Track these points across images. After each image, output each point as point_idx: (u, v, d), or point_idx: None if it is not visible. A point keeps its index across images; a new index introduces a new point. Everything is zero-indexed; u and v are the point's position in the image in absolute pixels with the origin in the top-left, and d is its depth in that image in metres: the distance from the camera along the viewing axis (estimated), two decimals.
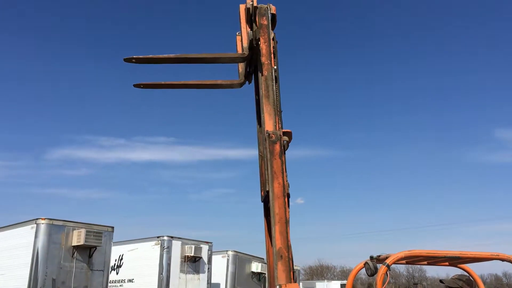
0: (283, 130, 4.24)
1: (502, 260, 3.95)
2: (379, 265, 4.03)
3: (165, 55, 4.65)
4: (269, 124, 4.23)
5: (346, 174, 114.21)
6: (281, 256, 3.81)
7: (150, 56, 4.64)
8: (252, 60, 4.69)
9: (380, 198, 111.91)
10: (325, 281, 30.28)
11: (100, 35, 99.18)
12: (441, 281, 4.27)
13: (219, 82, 5.09)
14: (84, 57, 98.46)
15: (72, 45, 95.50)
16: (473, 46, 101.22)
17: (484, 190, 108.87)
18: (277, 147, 4.12)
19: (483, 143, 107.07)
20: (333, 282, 30.90)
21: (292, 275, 3.82)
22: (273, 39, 4.50)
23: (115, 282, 18.16)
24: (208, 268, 18.59)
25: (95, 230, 14.90)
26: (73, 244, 14.52)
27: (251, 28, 4.62)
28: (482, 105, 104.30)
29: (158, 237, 17.83)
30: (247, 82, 5.04)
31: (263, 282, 22.00)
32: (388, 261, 3.90)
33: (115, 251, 17.61)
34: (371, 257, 4.39)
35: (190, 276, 17.97)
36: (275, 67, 4.40)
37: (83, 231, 14.47)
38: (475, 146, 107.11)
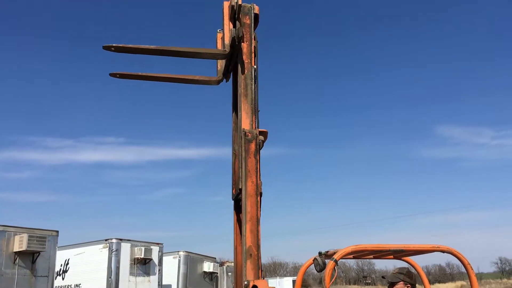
0: (259, 130, 4.29)
1: (443, 251, 4.08)
2: (327, 261, 4.07)
3: (145, 46, 4.56)
4: (245, 123, 4.29)
5: (296, 172, 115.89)
6: (251, 254, 3.94)
7: (130, 45, 4.51)
8: (232, 58, 4.68)
9: (329, 194, 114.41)
10: (278, 277, 30.55)
11: (44, 27, 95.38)
12: (383, 277, 4.37)
13: (196, 77, 5.08)
14: (26, 51, 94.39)
15: (14, 39, 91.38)
16: (416, 43, 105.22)
17: (428, 184, 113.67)
18: (253, 146, 4.19)
19: (426, 139, 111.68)
20: (285, 278, 31.28)
21: (260, 273, 3.91)
22: (254, 38, 4.52)
23: (60, 287, 17.52)
24: (159, 270, 18.29)
25: (38, 235, 14.30)
26: (14, 250, 13.86)
27: (234, 26, 4.59)
28: (423, 102, 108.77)
29: (106, 240, 17.35)
30: (224, 80, 5.03)
31: (215, 282, 21.91)
32: (335, 256, 3.93)
33: (61, 256, 16.99)
34: (320, 253, 4.42)
35: (140, 278, 17.62)
36: (255, 66, 4.45)
37: (25, 236, 13.84)
38: (418, 142, 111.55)
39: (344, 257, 4.12)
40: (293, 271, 72.86)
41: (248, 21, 4.48)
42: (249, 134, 4.19)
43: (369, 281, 76.03)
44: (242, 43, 4.42)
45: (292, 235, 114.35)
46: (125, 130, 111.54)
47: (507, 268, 72.50)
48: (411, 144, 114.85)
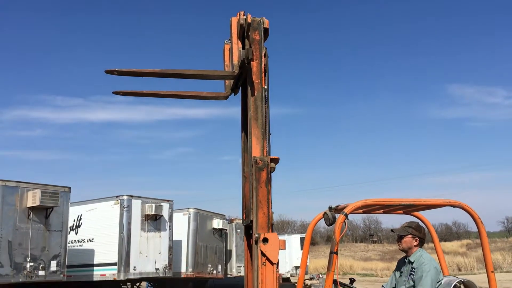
0: (271, 157, 4.09)
1: (453, 206, 4.09)
2: (337, 215, 4.10)
3: (150, 69, 4.41)
4: (256, 149, 4.08)
5: (305, 131, 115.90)
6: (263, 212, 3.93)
7: (133, 70, 4.39)
8: (242, 74, 4.45)
9: (338, 154, 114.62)
10: (285, 235, 31.03)
11: None
12: (392, 230, 4.40)
13: (204, 94, 4.89)
14: (36, 13, 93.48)
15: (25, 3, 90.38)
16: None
17: (437, 144, 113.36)
18: (264, 174, 4.00)
19: (436, 99, 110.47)
20: (293, 235, 31.70)
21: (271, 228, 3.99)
22: (264, 55, 4.28)
23: (74, 242, 17.96)
24: (170, 226, 18.65)
25: (51, 191, 14.56)
26: (28, 206, 14.16)
27: (243, 45, 4.37)
28: (434, 61, 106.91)
29: (117, 196, 17.63)
30: (233, 93, 4.84)
31: (224, 238, 22.35)
32: (346, 210, 3.96)
33: (73, 212, 17.33)
34: (330, 208, 4.45)
35: (151, 234, 17.99)
36: (265, 86, 4.22)
37: (38, 192, 14.10)
38: (428, 102, 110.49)
39: (354, 211, 4.15)
40: (301, 229, 74.03)
41: (257, 37, 4.23)
42: (260, 162, 4.00)
43: (376, 239, 77.15)
44: (252, 62, 4.17)
45: (300, 194, 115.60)
46: (134, 89, 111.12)
47: None
48: (421, 104, 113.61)
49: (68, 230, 16.25)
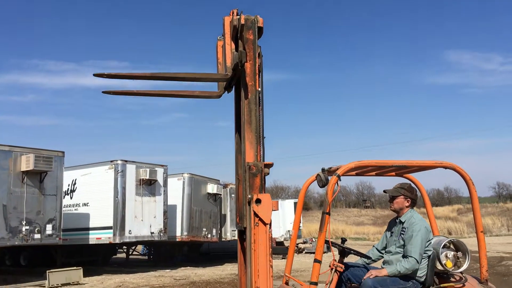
0: (265, 163, 4.02)
1: (445, 167, 4.12)
2: (330, 177, 4.11)
3: (140, 73, 4.33)
4: (250, 154, 4.01)
5: (301, 97, 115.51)
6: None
7: (123, 73, 4.24)
8: (236, 74, 4.31)
9: (333, 120, 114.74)
10: (279, 200, 31.36)
11: None
12: (384, 191, 4.43)
13: (196, 93, 4.71)
14: None
15: None
16: None
17: (432, 110, 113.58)
18: (258, 180, 3.94)
19: (433, 65, 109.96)
20: (287, 200, 32.01)
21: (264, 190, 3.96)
22: (258, 55, 4.12)
23: (69, 206, 18.09)
24: (164, 191, 18.77)
25: (44, 155, 14.55)
26: (22, 170, 14.18)
27: (236, 46, 4.23)
28: (432, 27, 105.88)
29: (111, 161, 17.65)
30: (226, 91, 4.68)
31: (219, 203, 22.55)
32: (338, 172, 3.97)
33: (68, 176, 17.38)
34: (323, 169, 4.46)
35: (146, 198, 18.12)
36: (259, 89, 4.10)
37: (31, 156, 14.09)
38: (424, 68, 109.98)
39: (346, 172, 4.16)
40: (295, 194, 74.76)
41: (251, 37, 4.08)
42: (254, 168, 3.94)
43: (368, 205, 78.25)
44: (245, 63, 4.04)
45: (294, 160, 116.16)
46: (128, 54, 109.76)
47: (504, 193, 74.19)
48: (417, 70, 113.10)
49: (63, 194, 16.33)
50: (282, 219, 29.81)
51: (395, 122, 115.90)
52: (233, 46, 4.31)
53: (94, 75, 4.25)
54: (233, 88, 4.57)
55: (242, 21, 4.05)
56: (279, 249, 24.69)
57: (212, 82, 4.61)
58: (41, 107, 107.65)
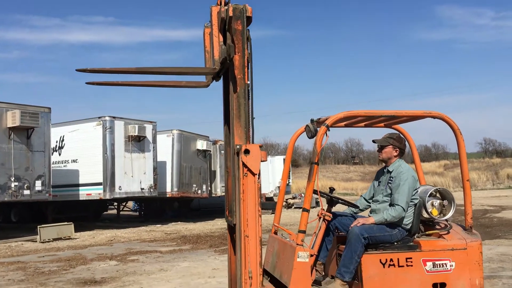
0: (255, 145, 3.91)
1: (434, 117, 4.11)
2: (319, 128, 4.09)
3: (125, 68, 4.10)
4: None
5: (291, 53, 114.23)
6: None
7: (106, 68, 4.01)
8: (224, 66, 4.13)
9: (323, 77, 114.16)
10: (269, 156, 31.52)
11: None
12: (373, 141, 4.42)
13: (183, 83, 4.50)
14: None
15: None
16: None
17: (422, 66, 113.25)
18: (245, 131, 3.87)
19: (424, 20, 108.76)
20: (276, 157, 32.27)
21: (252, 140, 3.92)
22: (248, 39, 3.94)
23: (58, 163, 18.04)
24: (153, 147, 18.75)
25: (30, 111, 14.37)
26: (8, 126, 14.03)
27: (224, 39, 4.02)
28: None
29: (99, 117, 17.50)
30: (214, 81, 4.49)
31: (208, 159, 22.63)
32: (327, 122, 3.95)
33: (55, 133, 17.26)
34: (312, 120, 4.44)
35: (135, 155, 18.11)
36: (248, 82, 3.95)
37: (17, 112, 13.91)
38: (415, 23, 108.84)
39: (335, 123, 4.13)
40: (284, 151, 75.17)
41: (240, 27, 3.90)
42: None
43: (357, 161, 79.08)
44: (234, 55, 3.88)
45: (284, 117, 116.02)
46: (114, 9, 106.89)
47: (490, 148, 75.29)
48: (408, 25, 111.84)
49: (51, 151, 16.25)
50: (272, 175, 30.13)
51: (384, 79, 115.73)
52: (221, 38, 4.13)
53: (77, 70, 4.15)
54: (222, 77, 4.46)
55: (230, 13, 3.88)
56: (268, 204, 25.04)
57: (199, 74, 4.48)
58: (26, 63, 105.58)
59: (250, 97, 3.99)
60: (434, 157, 75.30)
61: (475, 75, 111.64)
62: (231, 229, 4.31)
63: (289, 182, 31.71)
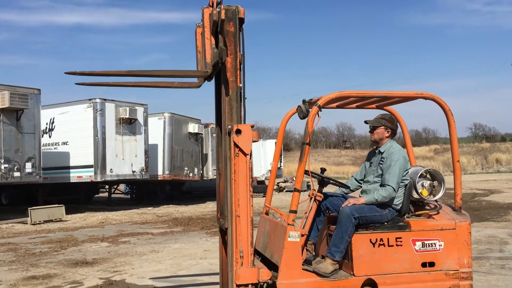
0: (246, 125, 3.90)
1: (426, 98, 4.11)
2: (311, 109, 4.08)
3: (115, 71, 4.07)
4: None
5: (284, 37, 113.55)
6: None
7: (97, 71, 3.93)
8: (215, 67, 4.09)
9: (314, 61, 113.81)
10: (261, 140, 31.52)
11: None
12: (365, 121, 4.42)
13: (175, 84, 4.43)
14: None
15: None
16: None
17: (413, 51, 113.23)
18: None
19: (416, 4, 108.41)
20: (268, 140, 32.22)
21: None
22: (239, 49, 3.89)
23: (48, 145, 17.92)
24: (145, 130, 18.67)
25: (20, 92, 14.22)
26: None
27: (216, 42, 3.96)
28: None
29: (90, 99, 17.35)
30: (206, 81, 4.43)
31: (200, 142, 22.59)
32: (319, 102, 3.94)
33: (45, 115, 17.10)
34: (304, 101, 4.43)
35: (126, 137, 18.03)
36: (241, 85, 3.91)
37: (6, 93, 13.75)
38: (407, 8, 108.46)
39: (327, 103, 4.12)
40: (276, 135, 75.09)
41: (232, 29, 3.84)
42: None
43: (348, 145, 79.37)
44: (226, 57, 3.83)
45: (276, 101, 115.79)
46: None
47: (480, 133, 75.77)
48: (400, 10, 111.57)
49: (41, 133, 16.12)
50: (264, 158, 30.14)
51: (377, 64, 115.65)
52: (213, 41, 4.08)
53: (66, 73, 4.10)
54: (214, 78, 4.42)
55: (223, 16, 3.83)
56: (259, 187, 25.13)
57: (191, 78, 4.44)
58: (15, 45, 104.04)
59: (242, 100, 3.97)
60: (425, 141, 75.73)
61: (467, 60, 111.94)
62: (223, 231, 4.31)
63: (280, 166, 31.78)
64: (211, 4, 4.12)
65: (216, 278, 6.04)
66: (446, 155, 52.22)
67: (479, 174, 43.37)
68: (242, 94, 3.98)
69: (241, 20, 3.92)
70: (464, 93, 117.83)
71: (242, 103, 4.03)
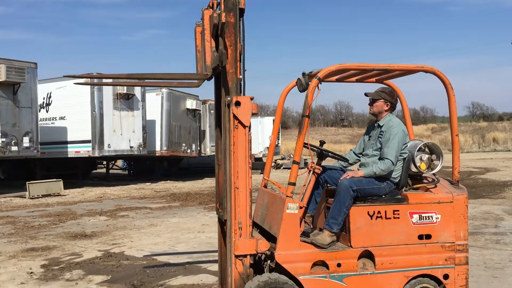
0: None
1: (426, 71, 4.09)
2: (311, 81, 4.05)
3: (115, 74, 4.07)
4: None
5: (282, 15, 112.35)
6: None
7: (96, 74, 3.88)
8: (216, 70, 4.06)
9: (313, 39, 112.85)
10: (258, 117, 31.49)
11: None
12: (365, 94, 4.40)
13: (174, 83, 4.37)
14: None
15: None
16: None
17: (413, 29, 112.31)
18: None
19: None
20: (266, 117, 32.22)
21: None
22: (240, 40, 3.82)
23: (46, 120, 17.86)
24: (142, 106, 18.61)
25: (16, 66, 14.09)
26: None
27: (217, 44, 3.88)
28: None
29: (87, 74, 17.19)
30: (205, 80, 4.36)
31: (198, 119, 22.54)
32: (319, 75, 3.91)
33: (42, 89, 16.99)
34: (303, 74, 4.40)
35: (124, 113, 17.97)
36: (240, 76, 3.86)
37: (3, 66, 13.64)
38: None
39: (327, 76, 4.10)
40: (274, 113, 75.01)
41: (232, 20, 3.79)
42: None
43: (346, 124, 79.35)
44: (227, 49, 3.78)
45: (274, 78, 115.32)
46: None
47: (477, 112, 75.81)
48: None
49: (39, 107, 16.04)
50: (261, 136, 30.16)
51: (377, 41, 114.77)
52: (213, 43, 4.02)
53: (65, 76, 4.07)
54: (213, 77, 4.37)
55: (223, 19, 3.76)
56: (257, 164, 25.20)
57: (191, 81, 4.40)
58: (11, 20, 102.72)
59: (242, 91, 3.95)
60: (422, 120, 75.77)
61: (466, 38, 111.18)
62: (221, 223, 4.31)
63: (278, 143, 31.82)
64: (211, 5, 4.09)
65: (215, 251, 6.11)
66: (443, 133, 52.36)
67: (476, 152, 43.56)
68: (241, 86, 3.96)
69: (242, 11, 3.89)
70: (462, 71, 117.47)
71: (242, 75, 4.01)
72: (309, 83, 4.04)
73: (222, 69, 3.92)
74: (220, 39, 3.90)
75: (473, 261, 5.74)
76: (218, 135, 4.46)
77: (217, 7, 4.00)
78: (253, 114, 4.01)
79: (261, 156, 30.23)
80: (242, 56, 3.94)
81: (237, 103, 3.85)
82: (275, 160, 27.54)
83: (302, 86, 4.21)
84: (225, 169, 4.00)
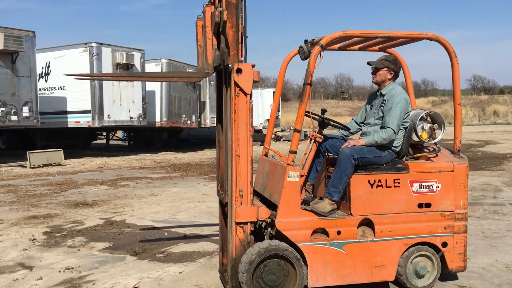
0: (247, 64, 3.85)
1: (430, 39, 4.03)
2: (313, 49, 4.00)
3: (115, 73, 3.93)
4: None
5: None
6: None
7: (97, 74, 3.73)
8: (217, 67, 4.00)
9: (318, 10, 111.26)
10: (259, 89, 31.34)
11: None
12: (368, 63, 4.35)
13: (175, 79, 4.31)
14: None
15: None
16: None
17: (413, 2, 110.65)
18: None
19: None
20: (266, 89, 32.06)
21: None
22: (241, 21, 3.73)
23: (45, 89, 17.76)
24: None
25: (14, 35, 13.93)
26: None
27: (218, 42, 3.79)
28: None
29: (85, 43, 17.04)
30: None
31: (198, 90, 22.42)
32: (322, 42, 3.85)
33: (41, 59, 16.85)
34: (306, 41, 4.34)
35: (124, 83, 17.83)
36: (242, 58, 3.79)
37: (1, 35, 13.49)
38: None
39: (330, 43, 4.05)
40: (274, 85, 74.64)
41: (234, 0, 3.74)
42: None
43: (346, 96, 79.05)
44: (227, 29, 3.72)
45: (275, 50, 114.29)
46: None
47: (478, 85, 75.50)
48: None
49: (37, 77, 15.93)
50: (261, 108, 30.06)
51: (379, 16, 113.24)
52: (215, 41, 3.93)
53: (65, 75, 3.98)
54: (214, 72, 4.28)
55: (225, 17, 3.69)
56: (257, 136, 25.18)
57: (193, 81, 4.32)
58: None
59: (243, 40, 3.86)
60: (423, 93, 75.45)
61: (467, 12, 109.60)
62: (222, 205, 4.31)
63: (278, 115, 31.74)
64: (212, 2, 3.99)
65: (215, 220, 6.16)
66: (444, 106, 52.17)
67: (476, 125, 43.53)
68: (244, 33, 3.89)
69: None
70: (463, 44, 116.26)
71: (243, 42, 3.96)
72: (311, 50, 4.00)
73: (224, 67, 3.91)
74: (221, 36, 3.88)
75: (471, 230, 5.79)
76: (218, 133, 4.38)
77: (218, 3, 3.93)
78: (254, 82, 3.97)
79: (261, 128, 30.20)
80: (244, 38, 3.90)
81: (238, 70, 3.81)
82: (275, 132, 27.54)
83: (304, 54, 4.17)
84: (226, 137, 3.99)
